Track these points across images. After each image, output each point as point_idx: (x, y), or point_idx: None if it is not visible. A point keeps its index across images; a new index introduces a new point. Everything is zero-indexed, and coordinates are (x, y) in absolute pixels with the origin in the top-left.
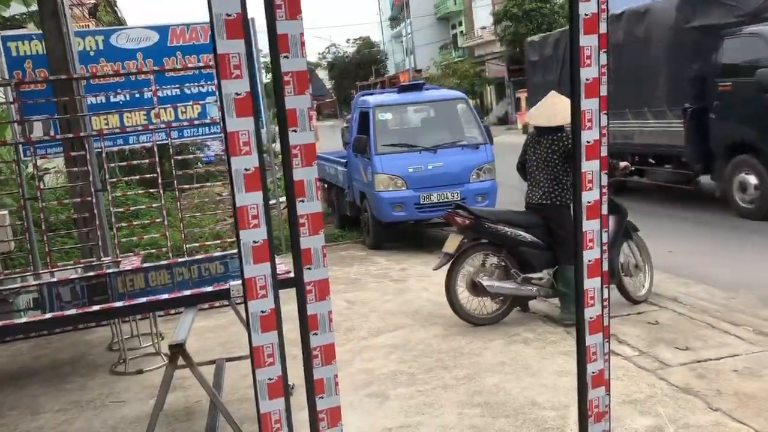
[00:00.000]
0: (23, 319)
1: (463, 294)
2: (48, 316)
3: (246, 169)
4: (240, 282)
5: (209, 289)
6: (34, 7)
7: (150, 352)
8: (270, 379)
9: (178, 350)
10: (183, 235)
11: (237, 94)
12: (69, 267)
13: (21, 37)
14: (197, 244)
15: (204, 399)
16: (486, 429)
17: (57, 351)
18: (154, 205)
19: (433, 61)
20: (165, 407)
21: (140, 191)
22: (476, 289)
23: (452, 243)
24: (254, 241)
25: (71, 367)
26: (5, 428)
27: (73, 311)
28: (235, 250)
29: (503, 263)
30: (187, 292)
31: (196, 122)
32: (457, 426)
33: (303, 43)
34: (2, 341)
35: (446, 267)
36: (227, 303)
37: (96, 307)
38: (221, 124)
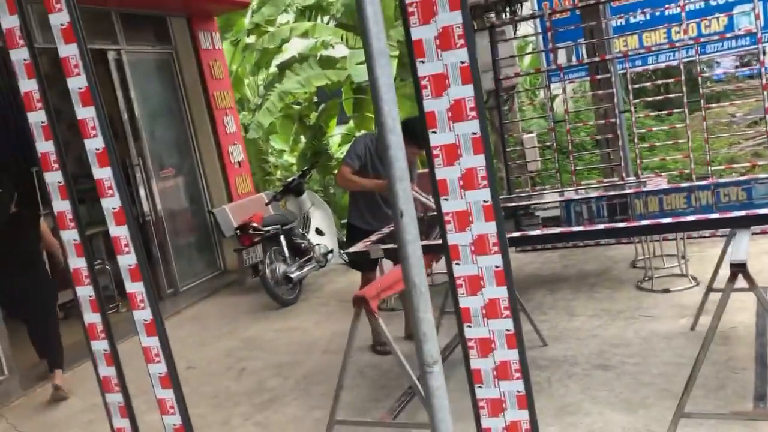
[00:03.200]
0: (559, 230)
1: None
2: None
3: None
4: None
5: (764, 211)
6: None
7: (674, 273)
8: None
9: (740, 269)
10: (708, 157)
11: None
12: (592, 185)
13: None
14: (722, 167)
15: (739, 326)
16: None
17: (582, 263)
18: (677, 125)
19: None
20: (697, 329)
21: (660, 112)
22: None
23: None
24: None
25: (597, 279)
26: (547, 323)
27: (622, 225)
28: (761, 175)
29: None
30: (739, 213)
31: (728, 35)
32: None
33: None
34: (532, 249)
35: None
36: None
37: (645, 222)
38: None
